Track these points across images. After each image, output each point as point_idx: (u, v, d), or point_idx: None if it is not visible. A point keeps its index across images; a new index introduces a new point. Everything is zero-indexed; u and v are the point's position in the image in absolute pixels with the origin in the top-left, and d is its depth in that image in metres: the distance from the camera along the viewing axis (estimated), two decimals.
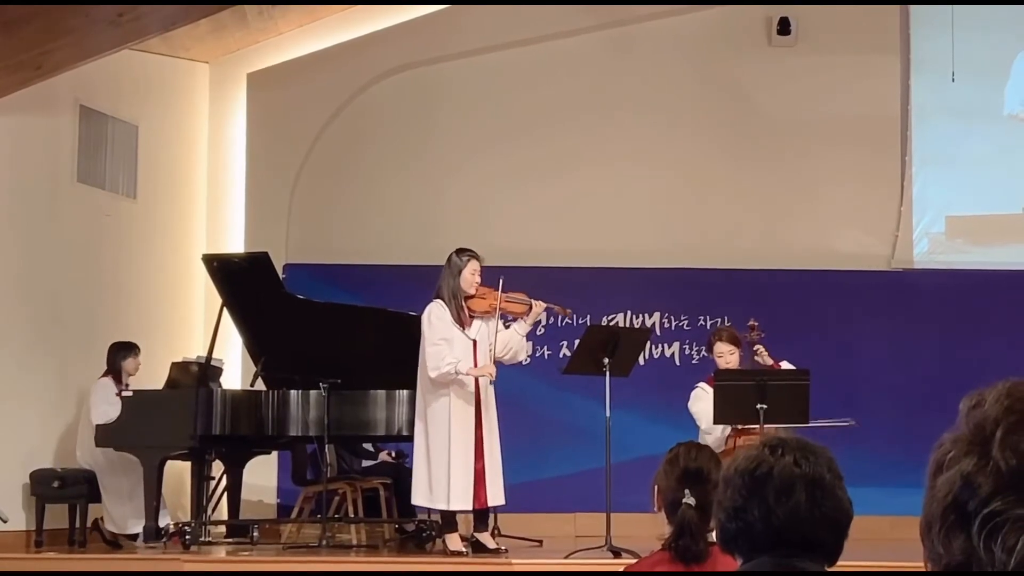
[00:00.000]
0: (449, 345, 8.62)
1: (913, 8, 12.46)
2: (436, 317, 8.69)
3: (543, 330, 11.75)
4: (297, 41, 12.41)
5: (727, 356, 8.99)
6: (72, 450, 10.42)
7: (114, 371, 10.43)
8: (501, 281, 8.76)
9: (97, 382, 10.37)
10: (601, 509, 8.82)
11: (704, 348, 11.79)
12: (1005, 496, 1.33)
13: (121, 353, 10.48)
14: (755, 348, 8.97)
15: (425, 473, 8.74)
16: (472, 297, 8.79)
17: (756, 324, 9.05)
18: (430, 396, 8.75)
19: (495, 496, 8.78)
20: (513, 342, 8.85)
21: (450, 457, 8.62)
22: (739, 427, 8.72)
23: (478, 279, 8.79)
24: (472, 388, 8.73)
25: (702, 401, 8.88)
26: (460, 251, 8.86)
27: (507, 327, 8.93)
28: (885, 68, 12.43)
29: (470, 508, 8.78)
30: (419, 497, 8.86)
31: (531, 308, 8.85)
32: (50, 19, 9.00)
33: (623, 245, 12.08)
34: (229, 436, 9.73)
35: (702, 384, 9.01)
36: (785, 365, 9.04)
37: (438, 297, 8.77)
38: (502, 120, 12.39)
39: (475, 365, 8.74)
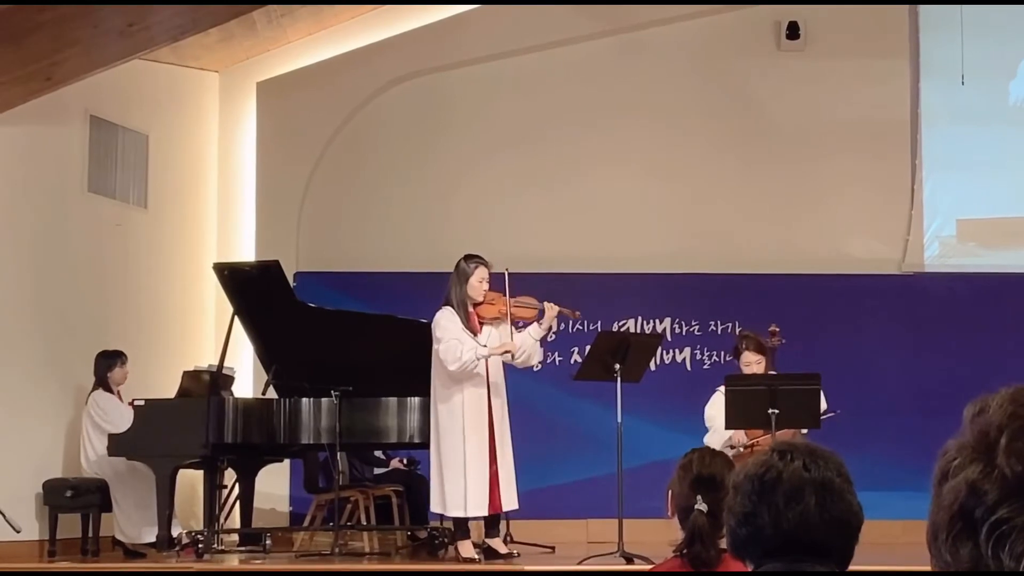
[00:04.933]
0: (461, 343, 8.64)
1: (922, 12, 12.44)
2: (446, 320, 8.70)
3: (554, 336, 11.70)
4: (306, 50, 12.43)
5: (754, 366, 8.99)
6: None
7: (101, 382, 10.39)
8: (507, 273, 8.76)
9: (92, 396, 10.33)
10: (613, 515, 8.82)
11: (714, 352, 11.89)
12: (1011, 503, 1.33)
13: (105, 364, 10.44)
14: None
15: (440, 480, 8.75)
16: (481, 304, 8.81)
17: (777, 330, 9.02)
18: (443, 402, 8.77)
19: (509, 501, 8.79)
20: (527, 345, 8.83)
21: (465, 463, 8.63)
22: (750, 442, 8.73)
23: (486, 286, 8.80)
24: (484, 392, 8.74)
25: (715, 406, 8.90)
26: (468, 257, 8.87)
27: (519, 331, 8.94)
28: (894, 72, 12.41)
29: (485, 513, 8.79)
30: (436, 504, 8.88)
31: (541, 312, 8.84)
32: (59, 30, 9.03)
33: (633, 251, 12.07)
34: (241, 444, 9.74)
35: (722, 388, 9.00)
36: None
37: (447, 304, 8.79)
38: (511, 127, 12.39)
39: (487, 373, 8.75)
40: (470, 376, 8.70)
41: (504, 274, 8.79)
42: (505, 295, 8.78)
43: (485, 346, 8.71)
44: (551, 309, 8.81)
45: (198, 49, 11.78)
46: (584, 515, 11.24)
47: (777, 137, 12.38)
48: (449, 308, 8.75)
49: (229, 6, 9.98)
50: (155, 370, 10.74)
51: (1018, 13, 12.17)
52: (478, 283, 8.77)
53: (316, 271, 12.05)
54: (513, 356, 8.78)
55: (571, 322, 10.70)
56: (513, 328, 8.89)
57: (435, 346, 8.75)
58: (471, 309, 8.79)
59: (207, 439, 9.42)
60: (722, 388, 8.86)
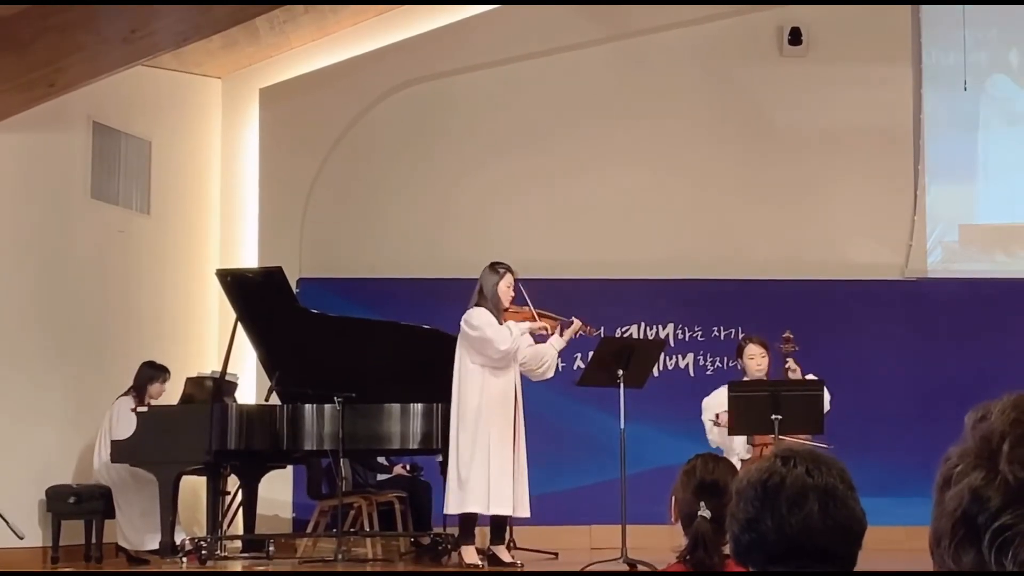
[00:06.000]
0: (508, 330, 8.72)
1: (924, 17, 12.44)
2: (486, 315, 8.74)
3: None
4: (309, 56, 12.44)
5: (758, 359, 8.91)
6: (87, 466, 10.44)
7: (138, 390, 10.42)
8: (524, 292, 8.82)
9: (120, 400, 10.37)
10: (616, 521, 8.82)
11: (717, 358, 11.89)
12: (1014, 509, 1.32)
13: (148, 374, 10.47)
14: (786, 363, 8.88)
15: (459, 476, 8.65)
16: (506, 311, 8.86)
17: (791, 336, 8.92)
18: (471, 397, 8.71)
19: (522, 507, 8.75)
20: (548, 356, 8.91)
21: (489, 456, 8.59)
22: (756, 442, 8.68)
23: (512, 293, 8.87)
24: (512, 393, 8.75)
25: (715, 397, 8.90)
26: (495, 265, 8.93)
27: (536, 343, 8.96)
28: (897, 78, 12.42)
29: (509, 512, 8.71)
30: (452, 504, 8.75)
31: (562, 324, 8.93)
32: (62, 36, 9.03)
33: (636, 256, 12.08)
34: (244, 451, 9.73)
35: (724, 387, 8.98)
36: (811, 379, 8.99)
37: (478, 306, 8.81)
38: (513, 133, 12.40)
39: (515, 377, 8.81)
40: (500, 375, 8.73)
41: (521, 292, 8.87)
42: (524, 302, 8.87)
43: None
44: (576, 323, 8.92)
45: (201, 55, 11.79)
46: (587, 521, 11.24)
47: (780, 142, 12.39)
48: (482, 308, 8.79)
49: (233, 6, 9.97)
50: None
51: (1020, 18, 12.18)
52: (505, 288, 8.86)
53: (319, 277, 12.05)
54: (548, 332, 8.86)
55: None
56: (531, 339, 8.94)
57: (471, 335, 8.73)
58: (501, 314, 8.84)
59: (210, 445, 9.41)
60: (724, 387, 8.86)
